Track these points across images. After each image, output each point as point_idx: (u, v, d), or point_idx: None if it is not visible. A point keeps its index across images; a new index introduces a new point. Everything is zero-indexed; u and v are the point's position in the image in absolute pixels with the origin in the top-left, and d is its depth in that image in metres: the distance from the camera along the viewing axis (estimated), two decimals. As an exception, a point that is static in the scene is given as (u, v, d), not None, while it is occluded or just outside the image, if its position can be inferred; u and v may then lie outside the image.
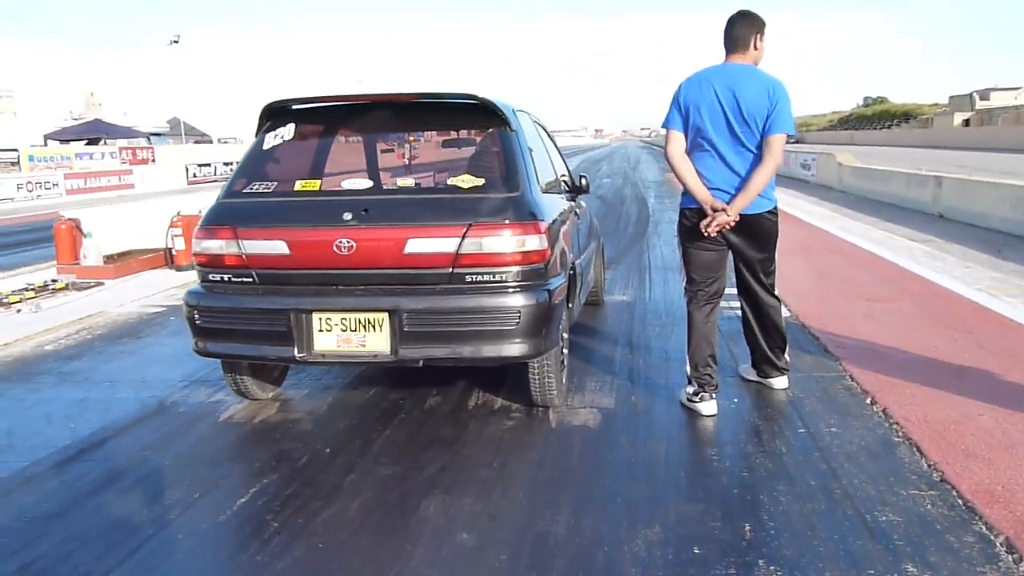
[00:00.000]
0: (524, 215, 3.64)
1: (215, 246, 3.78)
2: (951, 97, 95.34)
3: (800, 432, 4.12)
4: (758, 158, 4.21)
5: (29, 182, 25.65)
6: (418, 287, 3.59)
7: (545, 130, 5.25)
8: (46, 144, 37.84)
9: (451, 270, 3.58)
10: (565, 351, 4.25)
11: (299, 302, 3.67)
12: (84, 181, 27.66)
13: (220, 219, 3.81)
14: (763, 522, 3.22)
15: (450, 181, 3.77)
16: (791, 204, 15.20)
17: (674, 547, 3.04)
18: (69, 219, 10.01)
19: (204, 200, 11.22)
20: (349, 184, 3.91)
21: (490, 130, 4.06)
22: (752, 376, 4.91)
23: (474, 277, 3.59)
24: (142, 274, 9.57)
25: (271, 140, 4.09)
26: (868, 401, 4.55)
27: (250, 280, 3.79)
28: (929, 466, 3.66)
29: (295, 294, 3.69)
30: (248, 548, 3.14)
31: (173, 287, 8.67)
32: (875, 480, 3.55)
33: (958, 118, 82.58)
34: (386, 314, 3.56)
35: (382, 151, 4.41)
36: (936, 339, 5.69)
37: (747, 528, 3.17)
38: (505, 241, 3.57)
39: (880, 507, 3.31)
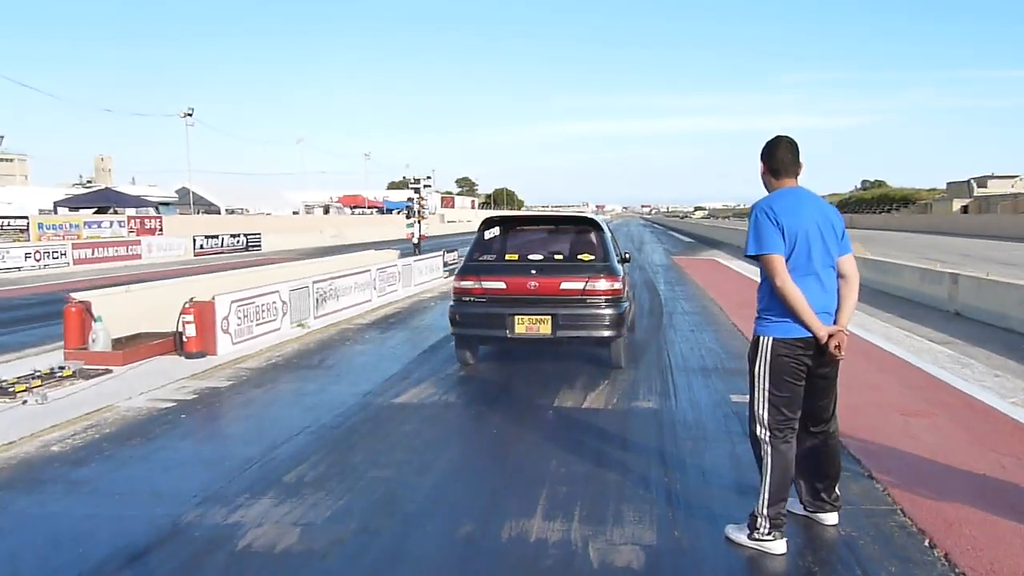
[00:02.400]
0: (611, 273, 7.47)
1: (467, 284, 7.56)
2: (949, 183, 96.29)
3: (860, 581, 4.02)
4: (837, 276, 4.32)
5: (37, 251, 25.67)
6: (565, 304, 7.28)
7: (610, 230, 9.01)
8: (55, 211, 37.84)
9: (581, 297, 7.35)
10: (625, 339, 8.04)
11: (508, 310, 7.37)
12: (92, 251, 27.69)
13: (469, 272, 7.66)
14: None
15: (578, 256, 7.64)
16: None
17: None
18: (80, 301, 9.74)
19: (216, 286, 11.76)
20: (531, 256, 7.79)
21: (592, 232, 8.05)
22: (799, 511, 4.61)
23: (590, 299, 7.35)
24: (151, 360, 9.29)
25: (488, 234, 8.12)
26: (927, 544, 4.27)
27: (484, 300, 7.57)
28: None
29: (506, 305, 7.38)
30: None
31: (183, 378, 8.36)
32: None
33: (956, 204, 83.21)
34: (550, 316, 7.22)
35: (544, 238, 8.33)
36: (982, 463, 5.46)
37: None
38: (603, 284, 7.37)
39: None
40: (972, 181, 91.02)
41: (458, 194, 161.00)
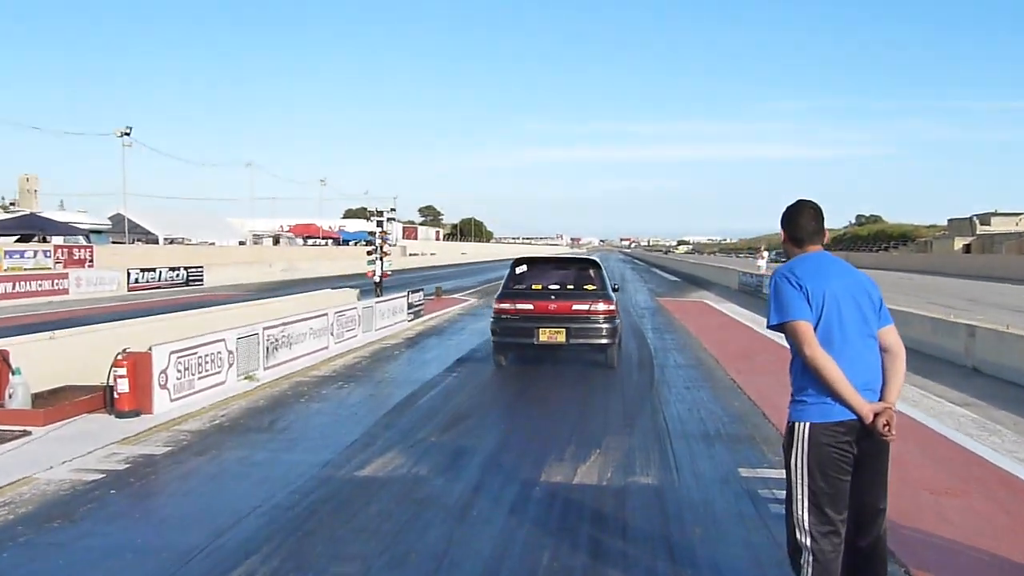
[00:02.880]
0: (607, 299, 11.36)
1: (505, 306, 11.24)
2: (950, 220, 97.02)
3: None
4: (878, 347, 4.15)
5: (-50, 285, 25.82)
6: (575, 320, 11.03)
7: (603, 268, 13.09)
8: (-29, 238, 38.89)
9: (586, 315, 11.16)
10: (620, 345, 12.10)
11: (535, 324, 11.12)
12: (12, 285, 26.81)
13: (506, 297, 11.40)
14: None
15: (583, 286, 11.53)
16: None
17: None
18: (-4, 351, 9.95)
19: (153, 331, 11.17)
20: (550, 286, 11.64)
21: (592, 269, 12.00)
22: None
23: (593, 317, 11.15)
24: (77, 419, 8.82)
25: (518, 269, 11.97)
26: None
27: (517, 318, 11.32)
28: None
29: (533, 321, 11.10)
30: None
31: (114, 442, 7.89)
32: None
33: (958, 243, 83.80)
34: (565, 329, 10.96)
35: (559, 272, 12.22)
36: (1030, 556, 5.60)
37: None
38: (602, 307, 11.17)
39: None
40: (975, 218, 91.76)
41: (421, 224, 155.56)
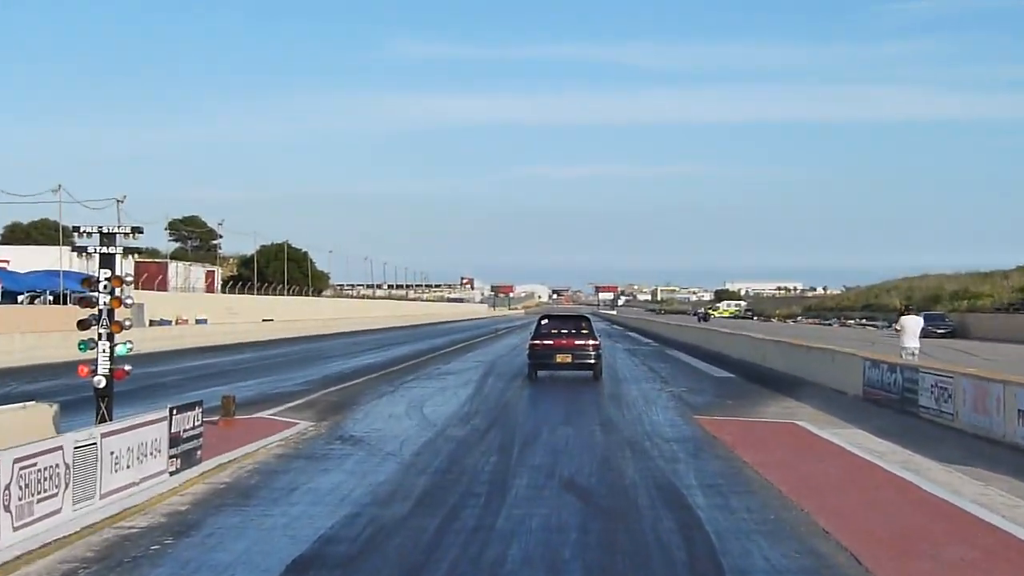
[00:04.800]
0: (595, 338, 34.41)
1: (537, 343, 33.89)
2: None
3: None
4: None
5: None
6: (576, 350, 33.76)
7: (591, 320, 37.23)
8: None
9: (583, 348, 33.81)
10: (603, 367, 33.99)
11: (555, 352, 33.98)
12: None
13: (537, 337, 34.72)
14: None
15: (581, 331, 34.76)
16: None
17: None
18: None
19: None
20: (562, 331, 35.25)
21: (586, 320, 35.95)
22: None
23: (587, 350, 33.68)
24: None
25: (544, 323, 36.81)
26: None
27: (543, 349, 34.50)
28: None
29: (553, 350, 33.88)
30: None
31: None
32: None
33: None
34: (571, 354, 33.65)
35: (568, 321, 37.30)
36: None
37: None
38: (592, 343, 33.80)
39: None
40: None
41: (178, 255, 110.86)
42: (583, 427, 19.70)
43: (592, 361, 31.44)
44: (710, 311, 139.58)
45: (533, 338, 32.73)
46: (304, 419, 21.07)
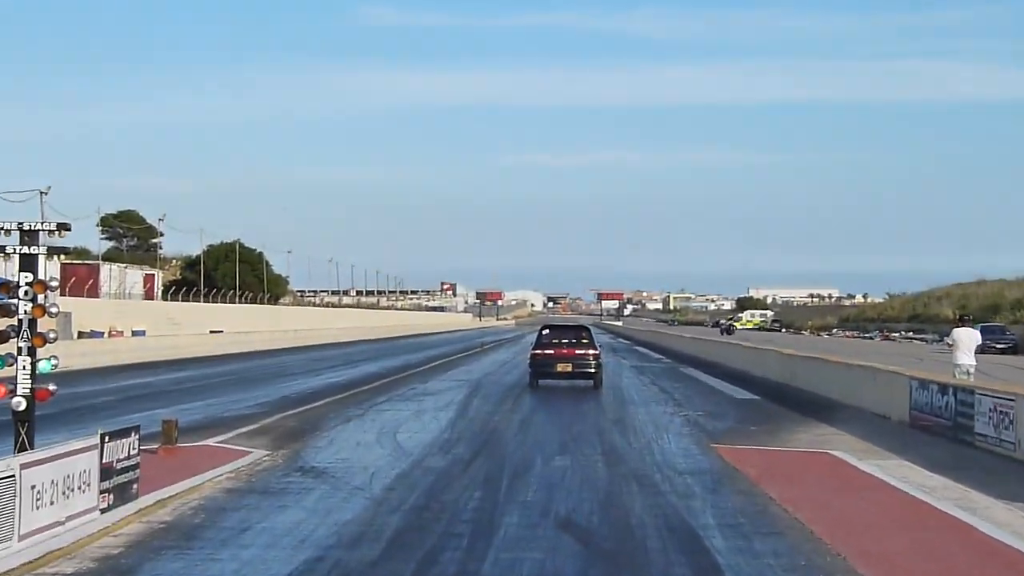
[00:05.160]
0: (595, 348, 40.06)
1: (539, 352, 39.10)
2: None
3: None
4: None
5: None
6: (577, 359, 39.18)
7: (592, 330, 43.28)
8: None
9: (583, 356, 39.52)
10: (603, 376, 39.06)
11: (556, 362, 39.21)
12: None
13: (538, 347, 40.01)
14: None
15: (582, 340, 40.41)
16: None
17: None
18: None
19: None
20: (563, 340, 40.91)
21: (586, 331, 42.09)
22: None
23: (587, 359, 39.28)
24: None
25: (545, 332, 42.29)
26: None
27: (544, 358, 40.05)
28: None
29: (554, 360, 39.32)
30: None
31: None
32: None
33: None
34: (571, 364, 39.00)
35: (568, 331, 43.56)
36: None
37: None
38: (592, 351, 39.44)
39: None
40: None
41: (111, 255, 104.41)
42: (583, 457, 18.89)
43: (592, 370, 35.41)
44: (733, 322, 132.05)
45: (534, 348, 37.03)
46: (258, 447, 20.27)
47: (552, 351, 36.55)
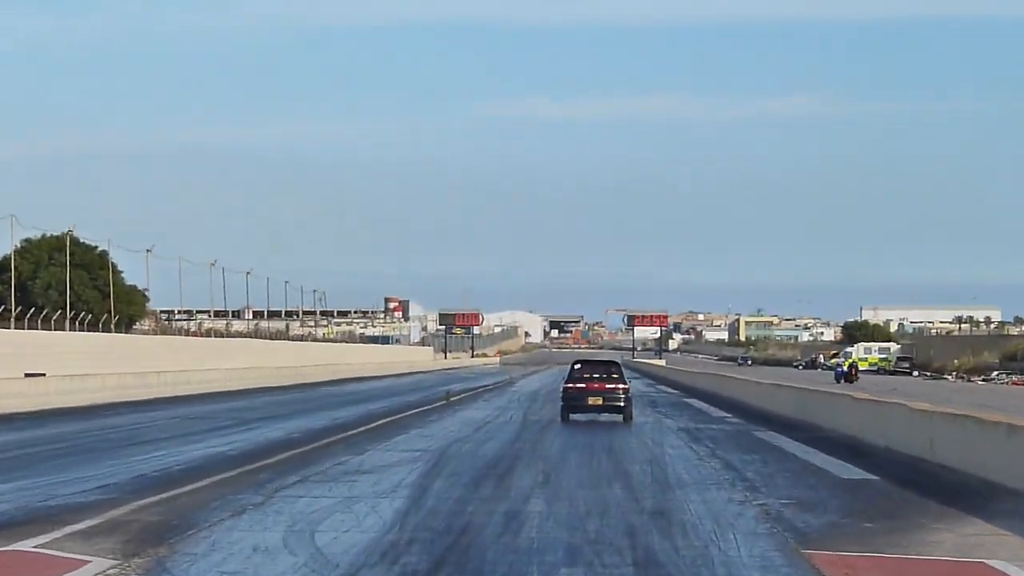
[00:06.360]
0: (625, 382, 48.39)
1: (570, 386, 47.37)
2: None
3: None
4: None
5: None
6: (608, 393, 46.95)
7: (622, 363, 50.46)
8: None
9: (614, 391, 47.25)
10: (633, 410, 45.62)
11: (587, 395, 47.50)
12: None
13: (570, 381, 48.37)
14: None
15: (612, 375, 48.15)
16: None
17: None
18: None
19: None
20: (594, 375, 48.83)
21: (616, 365, 50.40)
22: None
23: (617, 393, 47.40)
24: None
25: (576, 367, 49.82)
26: None
27: (576, 392, 48.59)
28: None
29: (585, 394, 47.48)
30: None
31: None
32: None
33: None
34: (602, 397, 46.68)
35: (599, 365, 51.29)
36: None
37: None
38: (622, 386, 47.59)
39: None
40: None
41: None
42: (604, 570, 13.37)
43: (622, 404, 40.23)
44: (854, 362, 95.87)
45: (566, 382, 41.86)
46: (102, 554, 13.95)
47: (584, 385, 41.48)
